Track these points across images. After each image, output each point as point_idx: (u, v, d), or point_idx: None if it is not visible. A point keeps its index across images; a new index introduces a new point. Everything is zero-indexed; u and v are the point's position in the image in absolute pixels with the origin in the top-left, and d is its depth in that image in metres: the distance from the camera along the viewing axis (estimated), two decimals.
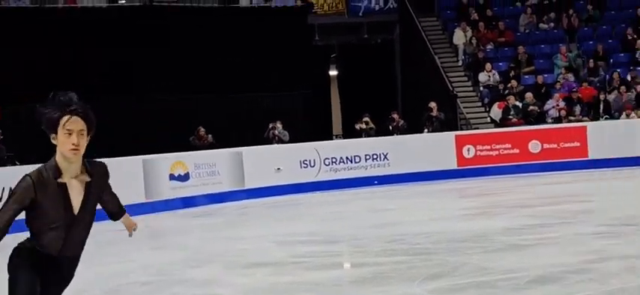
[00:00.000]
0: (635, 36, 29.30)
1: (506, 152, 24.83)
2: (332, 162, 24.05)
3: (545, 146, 24.70)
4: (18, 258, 4.86)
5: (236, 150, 22.70)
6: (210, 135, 24.27)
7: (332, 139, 30.73)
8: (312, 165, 23.83)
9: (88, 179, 4.92)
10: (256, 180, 22.70)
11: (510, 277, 9.22)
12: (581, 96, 26.98)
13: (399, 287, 9.42)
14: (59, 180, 4.81)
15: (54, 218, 4.82)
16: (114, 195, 5.39)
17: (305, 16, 30.70)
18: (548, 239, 12.06)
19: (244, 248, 13.39)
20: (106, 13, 27.22)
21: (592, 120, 25.94)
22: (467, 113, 28.16)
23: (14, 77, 24.23)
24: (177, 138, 23.26)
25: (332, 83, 35.88)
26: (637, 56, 28.77)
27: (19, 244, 4.93)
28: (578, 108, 26.57)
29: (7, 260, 4.91)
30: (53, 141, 4.81)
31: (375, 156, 24.39)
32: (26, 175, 4.78)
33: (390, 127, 26.01)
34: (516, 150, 24.79)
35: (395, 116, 26.38)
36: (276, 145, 24.62)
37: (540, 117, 26.57)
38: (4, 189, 17.39)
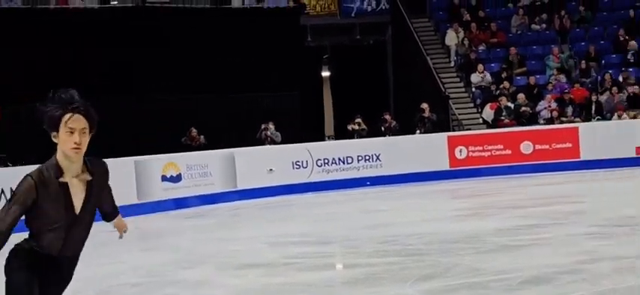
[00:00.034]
0: (627, 37, 29.36)
1: (498, 153, 24.84)
2: (324, 163, 24.04)
3: (538, 147, 24.71)
4: (15, 260, 4.78)
5: (228, 151, 22.67)
6: (202, 136, 24.26)
7: (324, 140, 30.72)
8: (305, 166, 23.82)
9: (89, 178, 4.85)
10: (248, 181, 22.68)
11: (503, 278, 9.22)
12: (573, 97, 27.01)
13: (392, 288, 9.41)
14: (61, 180, 4.74)
15: (55, 218, 4.74)
16: (111, 195, 5.32)
17: (297, 17, 30.71)
18: (541, 240, 12.07)
19: (236, 249, 13.38)
20: (98, 14, 27.19)
21: (584, 121, 25.98)
22: (459, 114, 28.18)
23: (6, 77, 24.18)
24: (168, 139, 23.24)
25: (324, 84, 35.88)
26: (629, 57, 28.82)
27: (16, 245, 4.84)
28: (570, 109, 26.61)
29: (5, 262, 4.84)
30: (54, 140, 4.73)
31: (367, 157, 24.39)
32: (27, 175, 4.70)
33: (383, 128, 26.02)
34: (508, 151, 24.80)
35: (387, 117, 26.39)
36: (268, 146, 24.61)
37: (532, 118, 26.61)
38: (2, 189, 17.43)
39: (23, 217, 4.74)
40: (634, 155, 24.10)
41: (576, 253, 10.54)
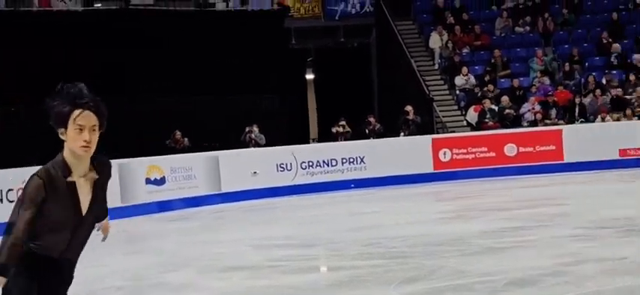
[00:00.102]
0: (610, 40, 29.44)
1: (482, 155, 24.88)
2: (309, 165, 24.02)
3: (521, 149, 24.76)
4: (14, 267, 4.47)
5: (212, 154, 22.64)
6: (186, 139, 24.22)
7: (309, 143, 30.71)
8: (289, 168, 23.80)
9: (96, 177, 4.66)
10: (233, 183, 22.65)
11: (487, 280, 9.23)
12: (556, 100, 27.08)
13: (376, 290, 9.41)
14: (68, 179, 4.52)
15: (60, 219, 4.52)
16: (105, 197, 5.01)
17: (281, 20, 30.72)
18: (525, 242, 12.09)
19: (220, 252, 13.36)
20: (82, 17, 27.11)
21: (567, 123, 26.04)
22: (443, 116, 28.19)
23: None
24: (152, 142, 23.18)
25: (309, 87, 35.88)
26: (612, 60, 28.90)
27: None
28: (553, 112, 26.68)
29: None
30: (61, 137, 4.51)
31: (351, 160, 24.39)
32: (34, 175, 4.47)
33: (367, 131, 26.03)
34: (492, 154, 24.84)
35: (371, 119, 26.41)
36: (252, 149, 24.59)
37: (516, 121, 26.66)
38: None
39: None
40: (617, 157, 24.19)
41: (561, 255, 10.55)
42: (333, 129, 26.27)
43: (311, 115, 35.05)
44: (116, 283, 10.94)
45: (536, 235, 12.74)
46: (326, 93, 33.87)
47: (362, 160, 24.41)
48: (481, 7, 32.66)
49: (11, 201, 17.43)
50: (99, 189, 4.70)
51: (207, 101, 27.05)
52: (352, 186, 23.91)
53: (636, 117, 25.77)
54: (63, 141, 4.53)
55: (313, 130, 34.45)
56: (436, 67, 30.58)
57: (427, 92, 28.69)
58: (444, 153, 24.84)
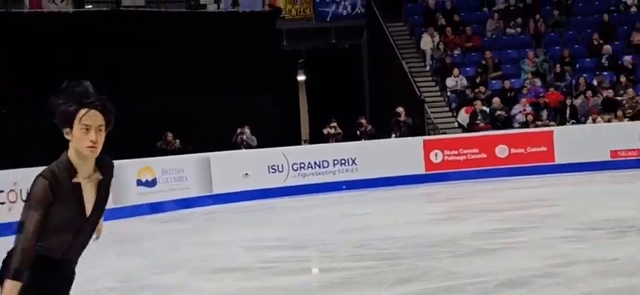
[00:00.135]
0: (601, 41, 29.49)
1: (473, 157, 24.90)
2: (300, 167, 24.02)
3: (513, 151, 24.79)
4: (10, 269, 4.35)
5: (204, 156, 22.63)
6: (177, 140, 24.20)
7: (300, 144, 30.71)
8: (281, 170, 23.79)
9: (100, 177, 4.54)
10: (224, 185, 22.64)
11: (479, 281, 9.24)
12: (547, 101, 27.11)
13: (367, 292, 9.42)
14: (74, 180, 4.39)
15: (65, 220, 4.38)
16: (107, 198, 4.76)
17: (273, 22, 30.69)
18: (516, 244, 12.11)
19: (212, 253, 13.35)
20: (73, 18, 27.05)
21: (559, 124, 26.07)
22: (434, 118, 28.22)
23: None
24: (144, 143, 23.15)
25: (300, 88, 35.87)
26: (603, 61, 28.95)
27: (9, 251, 4.42)
28: (544, 113, 26.71)
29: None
30: (66, 136, 4.38)
31: (343, 161, 24.39)
32: (39, 176, 4.33)
33: (358, 132, 26.03)
34: (484, 155, 24.86)
35: (363, 121, 26.42)
36: (244, 150, 24.57)
37: (507, 122, 26.69)
38: None
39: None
40: (608, 158, 24.22)
41: (552, 256, 10.57)
42: (325, 131, 26.27)
43: (302, 117, 35.04)
44: (108, 284, 10.93)
45: (528, 236, 12.76)
46: (317, 94, 33.86)
47: (353, 162, 24.41)
48: (472, 9, 32.70)
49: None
50: (103, 190, 4.59)
51: (198, 102, 27.01)
52: (344, 187, 23.91)
53: (627, 119, 25.81)
54: (67, 141, 4.42)
55: (305, 132, 34.44)
56: (427, 68, 30.61)
57: (418, 93, 28.70)
58: (436, 155, 24.85)
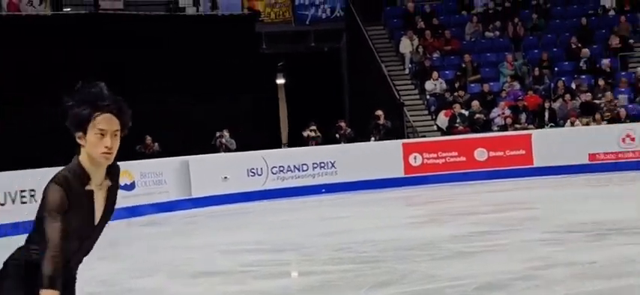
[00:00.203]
0: (580, 45, 29.60)
1: (452, 160, 24.95)
2: (279, 170, 24.00)
3: (491, 154, 24.86)
4: (8, 280, 4.12)
5: (183, 159, 22.57)
6: (156, 144, 24.13)
7: (280, 148, 30.67)
8: (260, 173, 23.76)
9: (110, 184, 4.33)
10: (203, 188, 22.59)
11: (458, 284, 9.25)
12: (526, 104, 27.19)
13: None
14: (87, 188, 4.15)
15: (75, 228, 4.10)
16: (114, 204, 4.58)
17: (252, 25, 30.65)
18: (495, 247, 12.14)
19: (191, 257, 13.31)
20: (51, 21, 26.94)
21: (537, 128, 26.16)
22: (413, 121, 28.25)
23: None
24: (122, 147, 23.03)
25: (279, 91, 35.82)
26: (581, 65, 29.06)
27: (7, 259, 4.18)
28: (523, 116, 26.79)
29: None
30: (79, 141, 4.12)
31: (322, 165, 24.39)
32: (51, 183, 4.04)
33: (337, 135, 26.03)
34: (463, 158, 24.91)
35: (342, 124, 26.42)
36: (223, 154, 24.53)
37: (486, 125, 26.77)
38: None
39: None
40: (587, 162, 24.33)
41: (531, 259, 10.60)
42: (304, 133, 26.24)
43: (282, 120, 35.00)
44: (86, 289, 10.84)
45: (506, 239, 12.80)
46: (297, 97, 33.83)
47: (333, 165, 24.41)
48: (451, 12, 32.77)
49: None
50: (112, 197, 4.39)
51: (177, 106, 26.94)
52: (323, 190, 23.90)
53: (605, 122, 25.94)
54: (78, 145, 4.17)
55: (284, 135, 34.41)
56: (406, 71, 30.65)
57: (397, 97, 28.74)
58: (415, 158, 24.88)
